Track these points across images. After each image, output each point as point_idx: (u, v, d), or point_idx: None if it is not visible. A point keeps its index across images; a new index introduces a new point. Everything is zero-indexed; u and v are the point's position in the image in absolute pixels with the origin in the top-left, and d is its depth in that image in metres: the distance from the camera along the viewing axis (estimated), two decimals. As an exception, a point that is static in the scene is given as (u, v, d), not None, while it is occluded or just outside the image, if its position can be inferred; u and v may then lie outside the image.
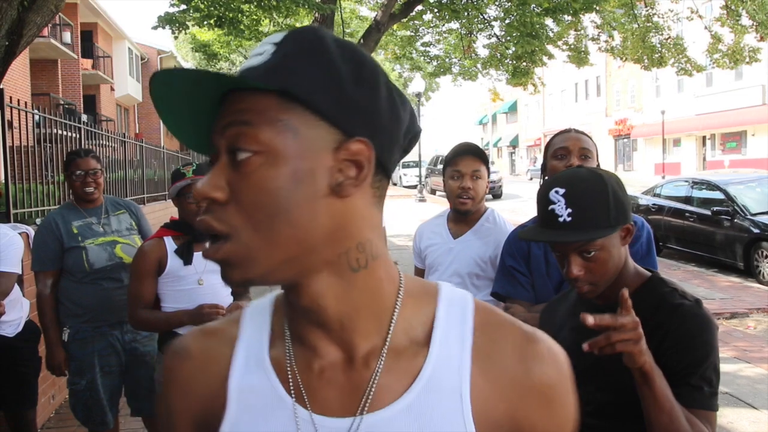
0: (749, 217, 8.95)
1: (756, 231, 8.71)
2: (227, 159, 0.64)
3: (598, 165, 2.12)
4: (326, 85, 0.64)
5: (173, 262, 2.66)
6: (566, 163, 2.06)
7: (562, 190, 1.37)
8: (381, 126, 0.67)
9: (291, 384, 0.70)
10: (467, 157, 2.48)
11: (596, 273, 1.39)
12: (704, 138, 31.72)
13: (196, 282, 2.67)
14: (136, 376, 3.13)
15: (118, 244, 3.15)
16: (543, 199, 1.40)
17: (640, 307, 1.41)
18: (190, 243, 2.71)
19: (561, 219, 1.35)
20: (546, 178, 2.03)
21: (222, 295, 2.73)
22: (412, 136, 0.72)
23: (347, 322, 0.68)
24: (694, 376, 1.34)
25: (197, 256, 2.69)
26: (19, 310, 3.16)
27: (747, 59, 12.96)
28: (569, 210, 1.34)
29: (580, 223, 1.33)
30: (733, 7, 11.96)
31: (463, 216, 2.54)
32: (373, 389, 0.68)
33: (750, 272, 8.81)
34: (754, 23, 11.77)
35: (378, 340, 0.69)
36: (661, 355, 1.34)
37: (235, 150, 0.63)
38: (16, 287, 3.15)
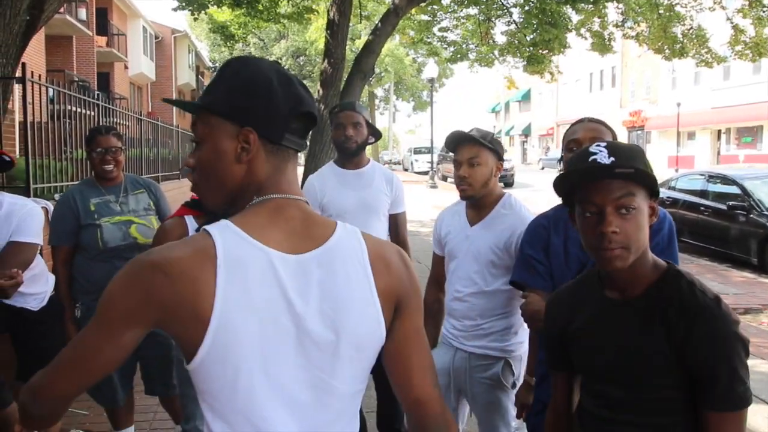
0: (765, 212, 8.89)
1: (772, 227, 8.65)
2: (196, 144, 1.14)
3: None
4: (224, 99, 1.09)
5: (194, 240, 2.65)
6: None
7: (603, 143, 1.37)
8: (259, 117, 1.08)
9: None
10: (462, 146, 2.45)
11: (630, 236, 1.34)
12: (719, 132, 31.41)
13: (217, 261, 2.66)
14: (148, 356, 3.11)
15: (134, 224, 3.14)
16: (582, 158, 1.37)
17: (659, 301, 1.39)
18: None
19: (603, 164, 1.33)
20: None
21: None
22: (303, 113, 1.11)
23: None
24: (723, 376, 1.31)
25: (218, 235, 2.69)
26: (44, 284, 3.12)
27: (770, 52, 12.74)
28: (612, 158, 1.33)
29: (624, 166, 1.32)
30: (758, -2, 11.72)
31: (477, 202, 2.51)
32: None
33: (764, 268, 8.75)
34: None
35: None
36: (686, 356, 1.34)
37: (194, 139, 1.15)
38: (41, 260, 3.12)
